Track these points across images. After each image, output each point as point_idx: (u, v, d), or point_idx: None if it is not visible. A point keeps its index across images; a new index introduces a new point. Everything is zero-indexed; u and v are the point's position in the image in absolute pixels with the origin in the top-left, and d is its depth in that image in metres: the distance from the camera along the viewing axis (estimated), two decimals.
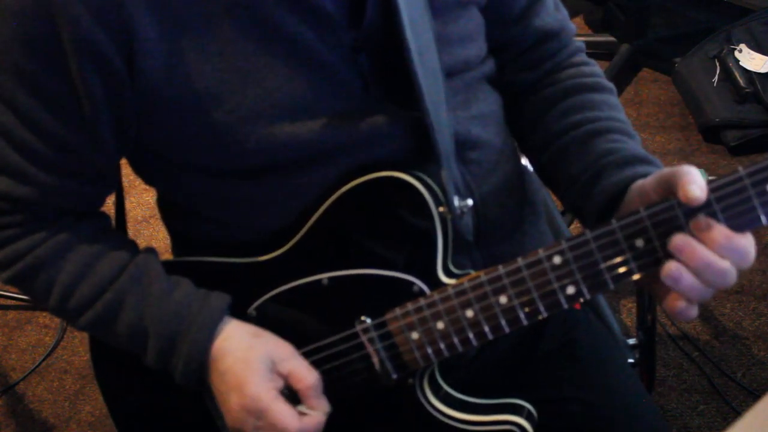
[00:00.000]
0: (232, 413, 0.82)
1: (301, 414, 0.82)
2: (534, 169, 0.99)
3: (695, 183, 0.69)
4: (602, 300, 1.26)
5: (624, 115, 0.93)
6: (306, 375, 0.83)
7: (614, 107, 0.93)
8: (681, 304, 0.72)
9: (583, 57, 0.99)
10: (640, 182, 0.79)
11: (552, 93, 0.94)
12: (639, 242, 0.72)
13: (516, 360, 1.00)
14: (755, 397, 1.72)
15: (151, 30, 0.73)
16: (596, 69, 0.97)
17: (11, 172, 0.80)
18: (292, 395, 0.83)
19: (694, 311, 0.72)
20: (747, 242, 0.70)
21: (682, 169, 0.71)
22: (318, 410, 0.83)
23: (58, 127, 0.78)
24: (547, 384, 0.98)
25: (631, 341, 1.29)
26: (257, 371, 0.81)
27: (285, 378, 0.83)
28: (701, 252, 0.69)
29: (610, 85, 0.96)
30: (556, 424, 0.95)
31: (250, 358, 0.81)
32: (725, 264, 0.70)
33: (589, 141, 0.88)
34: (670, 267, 0.70)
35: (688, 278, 0.70)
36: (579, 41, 1.00)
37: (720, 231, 0.69)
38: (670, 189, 0.72)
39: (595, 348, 1.03)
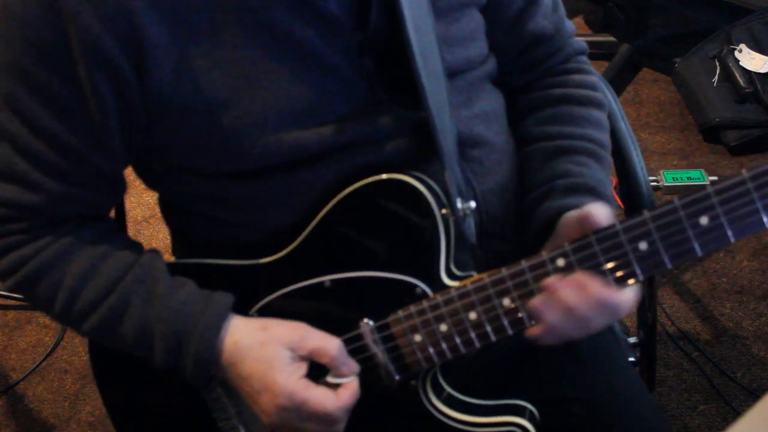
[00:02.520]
0: (270, 415, 0.81)
1: (334, 387, 0.82)
2: None
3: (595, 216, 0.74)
4: None
5: (603, 132, 0.94)
6: (327, 347, 0.82)
7: (595, 124, 0.93)
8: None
9: (579, 63, 0.98)
10: (569, 213, 0.82)
11: (537, 98, 0.96)
12: (642, 245, 0.72)
13: (517, 360, 1.00)
14: (755, 397, 1.72)
15: (160, 38, 0.73)
16: (588, 78, 0.97)
17: (19, 180, 0.80)
18: (318, 369, 0.83)
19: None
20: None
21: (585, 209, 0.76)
22: (349, 376, 0.83)
23: (66, 135, 0.78)
24: (548, 384, 0.98)
25: (632, 340, 1.29)
26: (280, 367, 0.80)
27: (308, 359, 0.82)
28: None
29: (599, 98, 0.96)
30: (557, 423, 0.95)
31: (267, 355, 0.81)
32: None
33: (553, 157, 0.90)
34: None
35: None
36: (580, 41, 0.99)
37: None
38: (583, 229, 0.76)
39: (596, 347, 1.04)
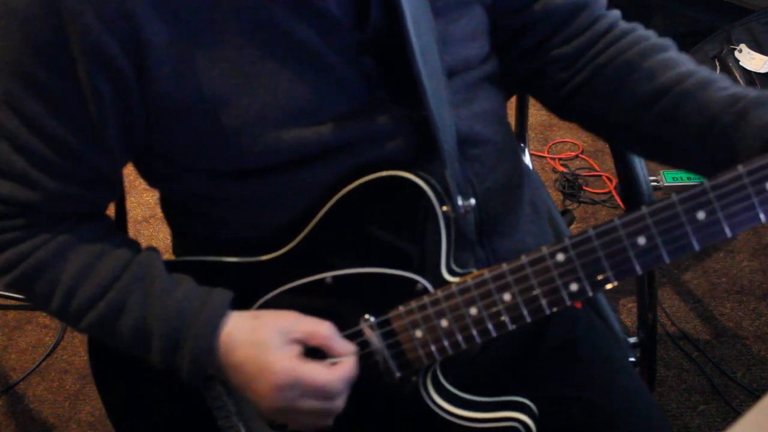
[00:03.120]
0: (267, 398, 0.81)
1: (332, 365, 0.82)
2: (626, 142, 0.96)
3: None
4: (603, 299, 1.26)
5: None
6: (319, 329, 0.82)
7: (688, 60, 0.89)
8: None
9: (626, 25, 0.95)
10: None
11: (625, 61, 0.90)
12: (641, 240, 0.72)
13: (518, 358, 1.00)
14: (755, 397, 1.72)
15: (160, 36, 0.73)
16: (648, 32, 0.94)
17: (17, 177, 0.80)
18: (314, 354, 0.83)
19: None
20: None
21: None
22: (346, 354, 0.83)
23: (64, 133, 0.78)
24: (548, 382, 0.99)
25: (632, 340, 1.29)
26: (274, 348, 0.80)
27: (301, 342, 0.82)
28: None
29: (669, 40, 0.92)
30: (557, 422, 0.95)
31: (260, 339, 0.81)
32: None
33: (702, 91, 0.84)
34: None
35: None
36: (615, 11, 0.96)
37: None
38: None
39: (596, 347, 1.04)
